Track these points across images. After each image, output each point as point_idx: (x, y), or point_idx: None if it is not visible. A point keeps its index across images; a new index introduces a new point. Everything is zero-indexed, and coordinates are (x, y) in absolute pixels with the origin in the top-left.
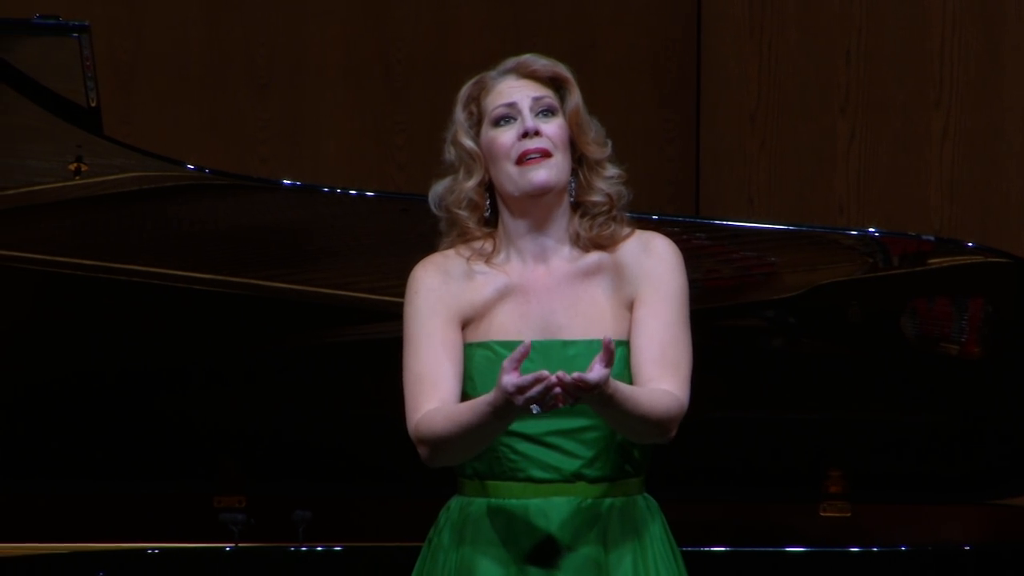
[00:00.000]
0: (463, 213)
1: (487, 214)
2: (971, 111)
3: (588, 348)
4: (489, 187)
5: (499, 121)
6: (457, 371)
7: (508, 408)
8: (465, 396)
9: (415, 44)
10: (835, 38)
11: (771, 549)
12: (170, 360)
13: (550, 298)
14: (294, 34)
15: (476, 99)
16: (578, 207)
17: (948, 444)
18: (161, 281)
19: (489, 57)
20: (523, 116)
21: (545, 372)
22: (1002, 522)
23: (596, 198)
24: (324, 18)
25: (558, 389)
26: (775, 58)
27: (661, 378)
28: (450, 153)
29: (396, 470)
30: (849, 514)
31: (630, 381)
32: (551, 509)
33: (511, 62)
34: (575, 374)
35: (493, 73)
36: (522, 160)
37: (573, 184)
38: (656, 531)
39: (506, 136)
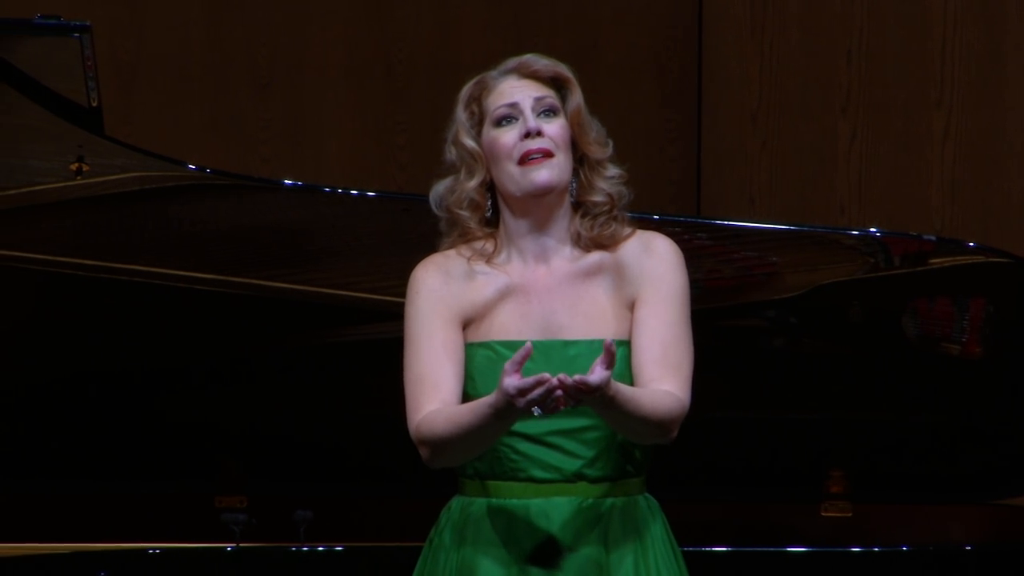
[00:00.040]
0: (464, 213)
1: (488, 214)
2: (972, 111)
3: (589, 348)
4: (490, 187)
5: (501, 121)
6: (458, 372)
7: (509, 410)
8: (466, 396)
9: (416, 44)
10: (836, 38)
11: (772, 549)
12: (171, 360)
13: (551, 298)
14: (295, 34)
15: (477, 99)
16: (579, 207)
17: (949, 444)
18: (162, 281)
19: (490, 57)
20: (525, 116)
21: (547, 375)
22: (1003, 522)
23: (597, 198)
24: (325, 18)
25: (559, 392)
26: (776, 58)
27: (662, 379)
28: (451, 153)
29: (397, 470)
30: (850, 514)
31: (631, 381)
32: (552, 509)
33: (512, 62)
34: (576, 376)
35: (494, 73)
36: (524, 160)
37: (574, 184)
38: (657, 531)
39: (508, 136)
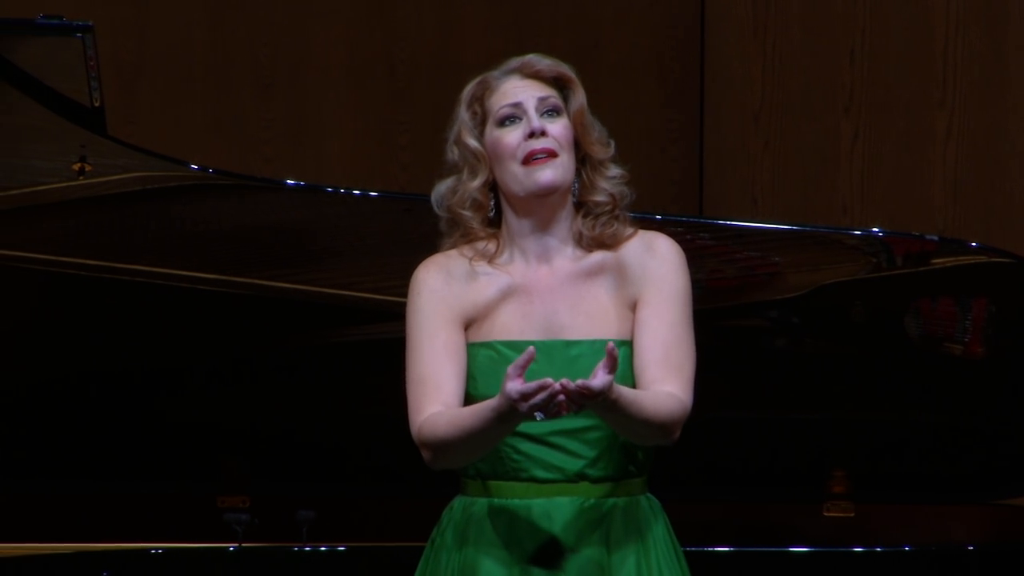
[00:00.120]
0: (467, 213)
1: (491, 214)
2: (975, 111)
3: (591, 348)
4: (493, 187)
5: (504, 121)
6: (460, 372)
7: (512, 414)
8: (468, 396)
9: (418, 44)
10: (839, 38)
11: (774, 549)
12: (174, 360)
13: (553, 298)
14: (298, 34)
15: (480, 99)
16: (581, 207)
17: (951, 444)
18: (165, 281)
19: (492, 57)
20: (529, 116)
21: (549, 380)
22: (1005, 522)
23: (599, 198)
24: (327, 18)
25: (562, 396)
26: (779, 58)
27: (664, 380)
28: (453, 153)
29: (399, 470)
30: (852, 514)
31: (633, 382)
32: (554, 509)
33: (515, 62)
34: (579, 381)
35: (496, 73)
36: (528, 160)
37: (576, 184)
38: (659, 531)
39: (512, 136)
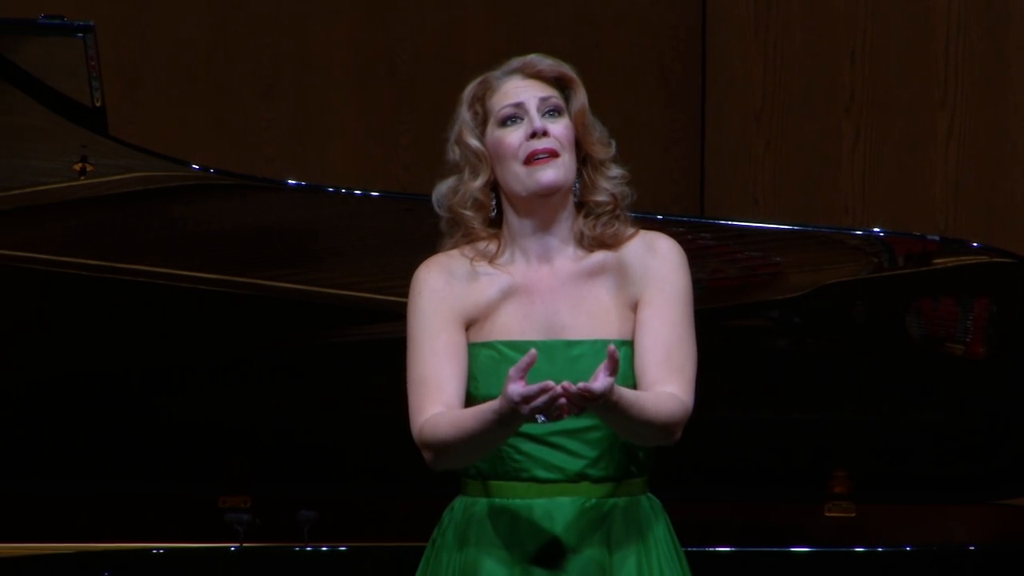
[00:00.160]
0: (468, 213)
1: (492, 214)
2: (976, 111)
3: (592, 348)
4: (494, 187)
5: (506, 121)
6: (461, 373)
7: (513, 417)
8: (469, 396)
9: (420, 44)
10: (840, 38)
11: (775, 549)
12: (175, 360)
13: (554, 298)
14: (299, 34)
15: (481, 99)
16: (582, 207)
17: (953, 444)
18: (166, 281)
19: (494, 57)
20: (530, 116)
21: (551, 382)
22: (1007, 522)
23: (600, 198)
24: (329, 18)
25: (563, 399)
26: (780, 58)
27: (666, 380)
28: (454, 153)
29: (400, 470)
30: (854, 514)
31: (634, 382)
32: (555, 509)
33: (516, 62)
34: (580, 384)
35: (498, 73)
36: (530, 160)
37: (577, 184)
38: (660, 532)
39: (513, 136)
